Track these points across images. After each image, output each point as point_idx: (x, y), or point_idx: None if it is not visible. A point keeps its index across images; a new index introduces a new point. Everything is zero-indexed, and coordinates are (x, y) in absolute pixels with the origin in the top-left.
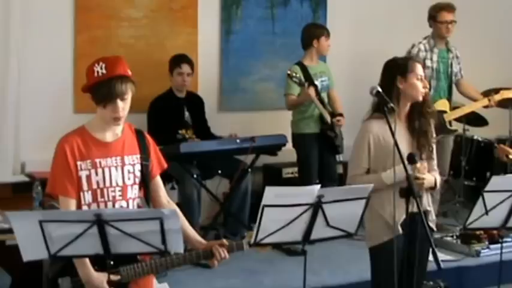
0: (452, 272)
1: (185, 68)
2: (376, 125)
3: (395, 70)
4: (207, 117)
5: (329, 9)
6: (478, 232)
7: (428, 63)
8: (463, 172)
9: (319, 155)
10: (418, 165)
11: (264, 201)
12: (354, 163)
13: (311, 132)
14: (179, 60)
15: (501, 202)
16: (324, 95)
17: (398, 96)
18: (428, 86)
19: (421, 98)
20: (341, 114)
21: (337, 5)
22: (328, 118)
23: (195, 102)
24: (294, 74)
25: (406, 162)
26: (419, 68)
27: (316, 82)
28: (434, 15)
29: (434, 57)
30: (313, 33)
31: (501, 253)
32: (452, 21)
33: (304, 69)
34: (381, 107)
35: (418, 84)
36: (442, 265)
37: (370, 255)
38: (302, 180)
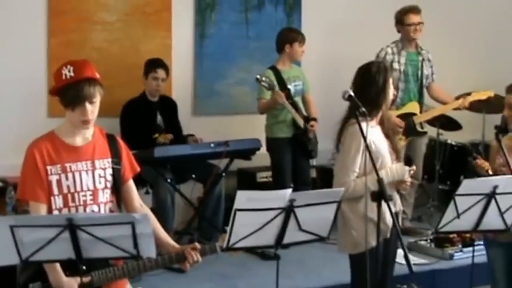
0: (426, 275)
1: (160, 72)
2: (365, 128)
3: (386, 73)
4: (181, 122)
5: (303, 13)
6: (451, 235)
7: (396, 65)
8: (437, 176)
9: (293, 159)
10: (414, 167)
11: (235, 206)
12: (348, 168)
13: (284, 136)
14: (155, 64)
15: (473, 205)
16: (297, 99)
17: (385, 100)
18: (395, 92)
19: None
20: (314, 119)
21: (311, 10)
22: (301, 122)
23: (168, 106)
24: (263, 79)
25: (402, 163)
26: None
27: (289, 86)
28: (401, 18)
29: (402, 60)
30: (286, 37)
31: (473, 256)
32: (420, 22)
33: (277, 74)
34: (353, 112)
35: (392, 89)
36: (415, 268)
37: (353, 261)
38: (276, 184)
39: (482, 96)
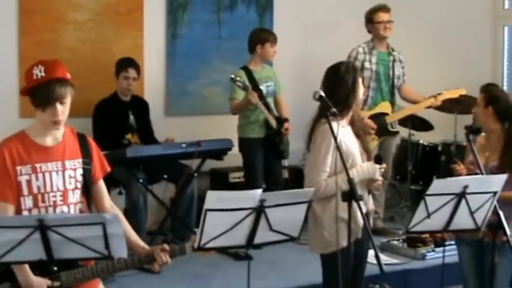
0: (398, 275)
1: (131, 72)
2: (335, 127)
3: (355, 73)
4: (152, 122)
5: (275, 13)
6: (423, 235)
7: (367, 65)
8: (409, 176)
9: (265, 159)
10: (384, 165)
11: (206, 206)
12: (319, 168)
13: (256, 136)
14: (126, 64)
15: (443, 205)
16: (270, 100)
17: (355, 100)
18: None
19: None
20: (287, 120)
21: (283, 10)
22: (273, 123)
23: (140, 106)
24: (237, 78)
25: (372, 162)
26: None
27: (261, 87)
28: (370, 17)
29: (373, 59)
30: (257, 38)
31: (443, 256)
32: (389, 21)
33: (249, 74)
34: (324, 112)
35: (362, 89)
36: (387, 268)
37: (325, 261)
38: (247, 184)
39: (454, 94)
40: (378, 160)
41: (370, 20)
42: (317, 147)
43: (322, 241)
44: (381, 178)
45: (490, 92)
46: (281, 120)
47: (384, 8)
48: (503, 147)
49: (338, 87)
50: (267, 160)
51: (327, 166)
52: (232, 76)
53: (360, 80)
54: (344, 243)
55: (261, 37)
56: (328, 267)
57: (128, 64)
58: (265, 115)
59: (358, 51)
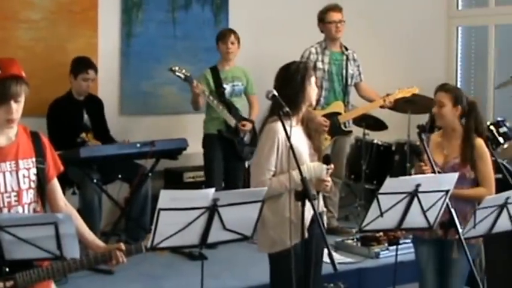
0: (353, 273)
1: (91, 73)
2: (281, 127)
3: (305, 73)
4: (107, 121)
5: (230, 13)
6: (377, 234)
7: (319, 65)
8: (364, 176)
9: (225, 159)
10: (332, 166)
11: (159, 205)
12: (263, 167)
13: (215, 133)
14: (86, 65)
15: (396, 204)
16: (236, 100)
17: (304, 100)
18: (318, 92)
19: (315, 102)
20: (247, 120)
21: (238, 9)
22: (231, 122)
23: (94, 105)
24: (176, 69)
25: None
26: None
27: (224, 86)
28: (322, 17)
29: (326, 59)
30: (217, 37)
31: (396, 255)
32: (341, 20)
33: (215, 73)
34: (276, 111)
35: (315, 89)
36: (342, 267)
37: (272, 260)
38: (206, 179)
39: (407, 93)
40: (326, 160)
41: (322, 19)
42: (261, 147)
43: (268, 240)
44: (329, 179)
45: (456, 92)
46: (244, 120)
47: (335, 8)
48: (462, 143)
49: (287, 87)
50: (227, 160)
51: (271, 165)
52: (171, 66)
53: (313, 79)
54: (289, 243)
55: (218, 36)
56: (275, 266)
57: (88, 65)
58: (219, 112)
59: (311, 51)
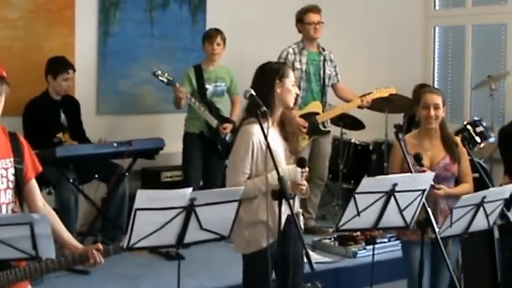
0: (330, 273)
1: (71, 73)
2: (257, 128)
3: (274, 74)
4: (84, 120)
5: (208, 13)
6: (355, 234)
7: (297, 65)
8: (341, 175)
9: (204, 158)
10: (307, 169)
11: (136, 205)
12: (237, 169)
13: (196, 131)
14: (65, 65)
15: (372, 203)
16: (218, 100)
17: (273, 100)
18: (298, 92)
19: (292, 104)
20: (230, 121)
21: (216, 9)
22: (213, 122)
23: (71, 105)
24: (159, 73)
25: (294, 166)
26: (292, 74)
27: (207, 86)
28: (301, 18)
29: (304, 60)
30: (203, 37)
31: (373, 254)
32: (319, 22)
33: (199, 72)
34: (254, 111)
35: (293, 90)
36: (319, 267)
37: (246, 261)
38: (184, 178)
39: (384, 93)
40: (301, 163)
41: (300, 20)
42: (236, 149)
43: (243, 241)
44: (304, 182)
45: (442, 93)
46: (226, 121)
47: (314, 9)
48: (447, 143)
49: (259, 87)
50: (206, 159)
51: (246, 168)
52: (154, 70)
53: (287, 80)
54: (264, 244)
55: (203, 36)
56: (249, 267)
57: (67, 65)
58: (200, 113)
59: (288, 51)
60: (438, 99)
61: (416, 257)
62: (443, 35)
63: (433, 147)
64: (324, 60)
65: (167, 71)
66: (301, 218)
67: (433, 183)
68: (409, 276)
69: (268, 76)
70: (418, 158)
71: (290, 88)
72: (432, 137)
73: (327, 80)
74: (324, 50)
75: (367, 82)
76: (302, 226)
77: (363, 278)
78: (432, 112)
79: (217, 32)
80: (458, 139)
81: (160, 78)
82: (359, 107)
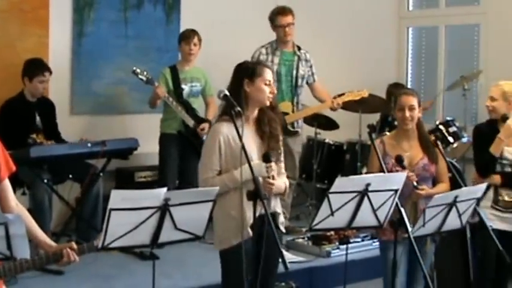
0: (304, 272)
1: (47, 76)
2: (226, 127)
3: (243, 74)
4: (58, 121)
5: (182, 13)
6: (329, 233)
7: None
8: (315, 175)
9: (180, 157)
10: (273, 164)
11: (110, 205)
12: (206, 166)
13: (172, 132)
14: (42, 68)
15: (346, 203)
16: (193, 100)
17: (247, 100)
18: (275, 91)
19: (268, 103)
20: (207, 121)
21: (190, 9)
22: (189, 122)
23: (46, 106)
24: (138, 71)
25: (260, 161)
26: (267, 73)
27: (183, 86)
28: (272, 19)
29: (276, 60)
30: (179, 37)
31: (346, 254)
32: (290, 23)
33: (174, 72)
34: (228, 110)
35: (265, 89)
36: (293, 266)
37: (221, 258)
38: (159, 179)
39: (356, 96)
40: (265, 158)
41: (272, 21)
42: (205, 146)
43: (217, 238)
44: (272, 177)
45: (418, 94)
46: (202, 121)
47: (284, 11)
48: (424, 143)
49: (231, 86)
50: (183, 159)
51: (214, 165)
52: (134, 68)
53: (259, 80)
54: (235, 241)
55: (180, 36)
56: (223, 263)
57: (43, 68)
58: (178, 112)
59: (261, 52)
60: (413, 101)
61: (389, 257)
62: (417, 35)
63: (411, 148)
64: (299, 60)
65: (146, 70)
66: (282, 218)
67: (415, 184)
68: (384, 275)
69: (238, 75)
70: (399, 160)
71: (261, 87)
72: (410, 138)
73: (299, 81)
74: (299, 49)
75: (342, 82)
76: (282, 226)
77: (336, 277)
78: (407, 113)
79: (193, 32)
80: (433, 138)
81: (139, 76)
82: (331, 108)
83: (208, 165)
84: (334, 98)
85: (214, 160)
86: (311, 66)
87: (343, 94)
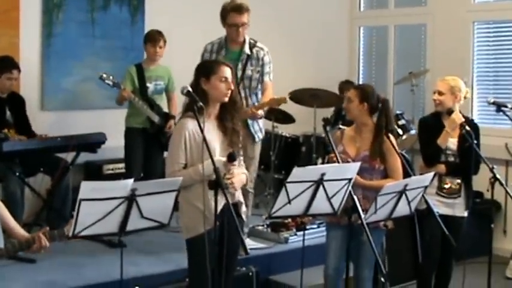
0: (264, 257)
1: (15, 73)
2: (190, 122)
3: (200, 72)
4: (30, 116)
5: (147, 13)
6: (286, 221)
7: None
8: (273, 166)
9: (145, 150)
10: (235, 163)
11: (80, 196)
12: (172, 160)
13: (137, 126)
14: (10, 65)
15: (302, 192)
16: (158, 97)
17: (206, 97)
18: (232, 87)
19: (225, 99)
20: (173, 117)
21: (154, 10)
22: (154, 118)
23: (16, 101)
24: (105, 76)
25: (224, 159)
26: (222, 70)
27: (148, 84)
28: (225, 16)
29: (220, 59)
30: (144, 38)
31: (303, 240)
32: (243, 23)
33: (140, 71)
34: (192, 106)
35: (221, 86)
36: (254, 252)
37: (187, 246)
38: (126, 172)
39: (275, 103)
40: (230, 158)
41: (224, 18)
42: (172, 141)
43: (184, 227)
44: (231, 175)
45: (363, 89)
46: (168, 117)
47: (238, 9)
48: (373, 138)
49: (192, 84)
50: (147, 152)
51: (180, 158)
52: (101, 74)
53: (215, 77)
54: (200, 230)
55: (146, 37)
56: (189, 251)
57: (12, 66)
58: (143, 110)
59: (206, 49)
60: (351, 93)
61: (336, 237)
62: (368, 34)
63: (362, 140)
64: (248, 59)
65: (112, 75)
66: (244, 207)
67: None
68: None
69: (196, 74)
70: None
71: (217, 85)
72: (362, 131)
73: (245, 82)
74: (254, 46)
75: (295, 81)
76: (244, 215)
77: (294, 262)
78: (344, 104)
79: (159, 34)
80: (391, 137)
81: (106, 81)
82: (249, 118)
83: (174, 159)
84: (254, 107)
85: (180, 154)
86: (263, 65)
87: (263, 103)
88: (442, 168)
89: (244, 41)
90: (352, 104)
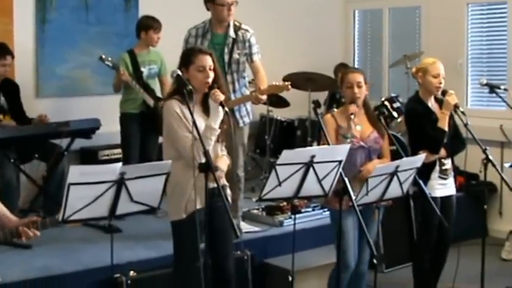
0: (259, 241)
1: (9, 59)
2: (177, 105)
3: (181, 61)
4: (24, 104)
5: None
6: (281, 204)
7: None
8: (268, 150)
9: (141, 135)
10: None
11: (69, 180)
12: (179, 130)
13: (133, 112)
14: (3, 51)
15: (293, 174)
16: (152, 81)
17: (190, 84)
18: (210, 76)
19: (205, 89)
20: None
21: None
22: (150, 102)
23: (10, 88)
24: (104, 57)
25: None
26: (200, 60)
27: (142, 69)
28: None
29: (205, 43)
30: (142, 24)
31: (294, 224)
32: (234, 1)
33: (133, 56)
34: (181, 89)
35: (198, 76)
36: (249, 236)
37: (173, 228)
38: (123, 158)
39: (278, 90)
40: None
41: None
42: (168, 123)
43: (171, 209)
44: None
45: (362, 71)
46: (161, 100)
47: None
48: (372, 118)
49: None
50: (143, 137)
51: (185, 131)
52: (101, 55)
53: (193, 66)
54: (186, 212)
55: (146, 24)
56: (174, 234)
57: (5, 52)
58: (140, 94)
59: (190, 33)
60: (360, 78)
61: (348, 225)
62: (363, 17)
63: (361, 122)
64: (234, 42)
65: (111, 56)
66: (228, 190)
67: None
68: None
69: (179, 62)
70: None
71: (194, 75)
72: (358, 113)
73: (233, 66)
74: (239, 28)
75: (291, 64)
76: (229, 197)
77: (288, 245)
78: (356, 90)
79: (159, 22)
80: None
81: (106, 62)
82: (253, 103)
83: (181, 128)
84: (254, 91)
85: (183, 127)
86: (250, 47)
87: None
88: (443, 152)
89: (228, 24)
90: (363, 88)
